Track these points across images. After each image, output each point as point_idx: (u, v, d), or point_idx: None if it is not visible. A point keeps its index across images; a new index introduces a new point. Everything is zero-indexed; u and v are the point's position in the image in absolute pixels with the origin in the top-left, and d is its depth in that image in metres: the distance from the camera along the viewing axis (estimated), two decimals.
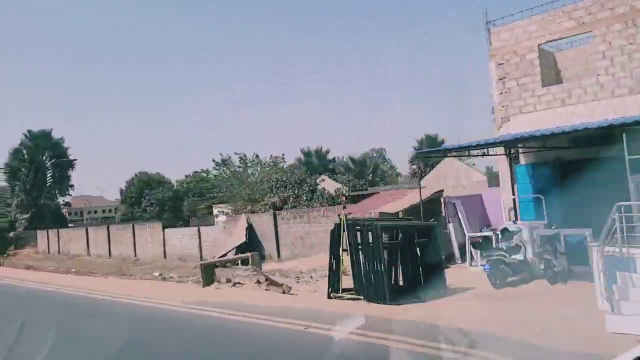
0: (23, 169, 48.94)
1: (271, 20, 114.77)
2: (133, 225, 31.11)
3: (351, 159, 64.65)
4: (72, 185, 50.94)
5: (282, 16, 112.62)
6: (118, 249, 30.57)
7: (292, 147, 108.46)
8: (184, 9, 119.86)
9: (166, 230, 27.48)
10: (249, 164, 36.40)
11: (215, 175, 37.75)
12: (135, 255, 28.85)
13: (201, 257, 23.72)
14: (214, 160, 36.13)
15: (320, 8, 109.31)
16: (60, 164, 50.20)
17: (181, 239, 26.20)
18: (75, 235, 36.42)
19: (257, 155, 36.67)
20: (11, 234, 45.81)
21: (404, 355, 6.10)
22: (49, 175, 49.69)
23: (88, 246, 33.46)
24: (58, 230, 39.16)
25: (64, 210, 56.75)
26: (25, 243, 46.24)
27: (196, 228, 26.51)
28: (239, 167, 36.17)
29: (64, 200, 51.04)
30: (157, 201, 57.06)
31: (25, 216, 48.37)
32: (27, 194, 48.37)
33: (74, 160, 51.03)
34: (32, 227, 48.43)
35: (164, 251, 26.72)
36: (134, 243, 29.38)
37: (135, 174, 60.47)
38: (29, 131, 49.94)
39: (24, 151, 49.56)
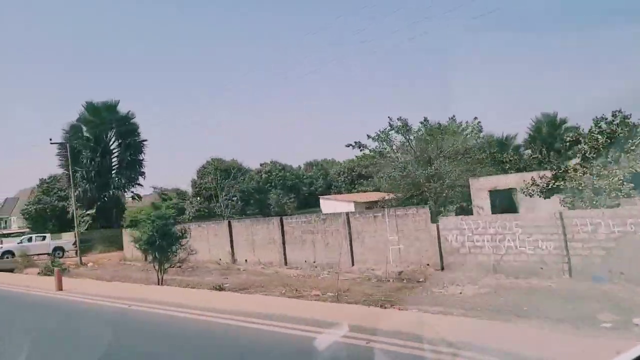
0: (84, 151, 38.17)
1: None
2: (323, 218, 19.70)
3: None
4: (143, 173, 39.96)
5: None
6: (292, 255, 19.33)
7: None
8: None
9: (443, 220, 15.73)
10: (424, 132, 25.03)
11: (372, 151, 26.38)
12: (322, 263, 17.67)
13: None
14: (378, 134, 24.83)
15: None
16: (130, 145, 39.24)
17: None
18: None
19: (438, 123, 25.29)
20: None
21: None
22: (115, 158, 38.71)
23: (233, 250, 22.24)
24: None
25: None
26: (92, 246, 35.53)
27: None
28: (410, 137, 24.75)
29: (132, 193, 40.05)
30: (241, 193, 46.14)
31: (90, 212, 37.54)
32: (90, 183, 37.57)
33: (144, 140, 40.05)
34: (95, 226, 37.69)
35: (440, 252, 15.11)
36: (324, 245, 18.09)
37: (208, 161, 49.56)
38: (88, 103, 39.03)
39: (84, 128, 38.69)
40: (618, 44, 72.73)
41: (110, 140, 38.65)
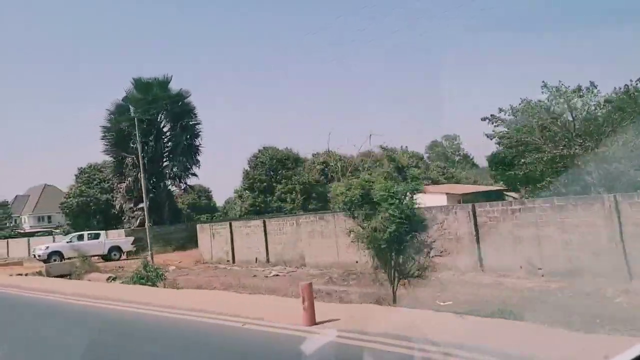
0: (134, 134, 32.65)
1: None
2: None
3: None
4: (198, 161, 34.38)
5: None
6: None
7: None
8: None
9: None
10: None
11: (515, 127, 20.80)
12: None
13: None
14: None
15: None
16: (186, 128, 33.70)
17: None
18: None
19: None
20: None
21: None
22: (169, 143, 33.13)
23: None
24: (230, 224, 22.55)
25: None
26: (144, 246, 30.01)
27: None
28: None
29: (185, 184, 34.30)
30: (302, 186, 40.63)
31: (141, 205, 31.94)
32: (142, 172, 31.95)
33: (198, 124, 34.46)
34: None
35: None
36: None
37: (260, 150, 43.98)
38: (136, 80, 33.48)
39: (131, 108, 33.07)
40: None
41: (162, 122, 33.08)
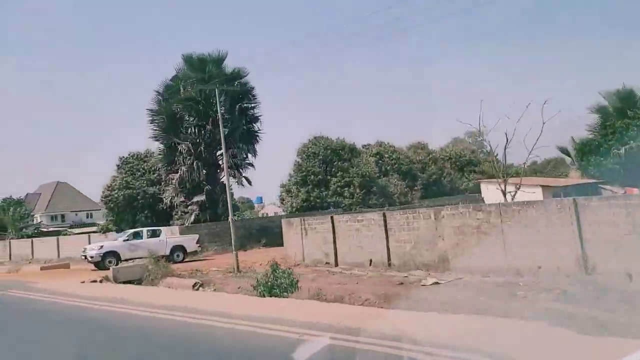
0: (188, 118, 28.71)
1: None
2: None
3: None
4: (256, 150, 30.28)
5: None
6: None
7: None
8: None
9: None
10: None
11: None
12: None
13: None
14: None
15: None
16: (245, 112, 29.67)
17: None
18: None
19: None
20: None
21: None
22: (226, 129, 28.93)
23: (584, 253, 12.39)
24: (332, 219, 18.37)
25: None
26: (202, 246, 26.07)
27: None
28: None
29: (242, 175, 30.04)
30: (361, 179, 36.39)
31: (199, 199, 27.94)
32: (198, 161, 28.00)
33: (256, 105, 30.32)
34: (202, 218, 28.12)
35: None
36: None
37: (311, 140, 39.84)
38: (186, 56, 29.37)
39: (181, 89, 29.03)
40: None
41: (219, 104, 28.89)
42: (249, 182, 31.02)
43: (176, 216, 28.58)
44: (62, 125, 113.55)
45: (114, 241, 21.84)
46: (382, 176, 40.38)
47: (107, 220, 29.86)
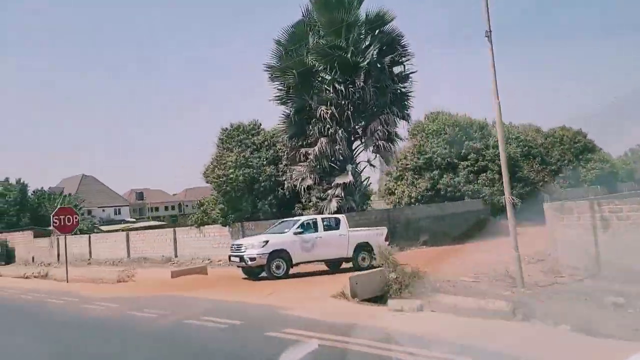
0: (323, 74, 21.54)
1: None
2: None
3: None
4: (408, 116, 23.00)
5: None
6: None
7: None
8: None
9: None
10: None
11: None
12: None
13: None
14: None
15: None
16: (390, 67, 22.48)
17: None
18: None
19: None
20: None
21: None
22: (373, 89, 21.60)
23: None
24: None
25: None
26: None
27: None
28: None
29: (390, 150, 22.58)
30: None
31: (343, 180, 20.72)
32: (342, 130, 20.84)
33: (408, 59, 23.00)
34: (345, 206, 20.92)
35: None
36: None
37: (427, 116, 32.58)
38: None
39: (310, 38, 21.83)
40: None
41: (364, 56, 21.68)
42: (397, 160, 23.93)
43: (309, 203, 21.40)
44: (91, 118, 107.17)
45: (280, 235, 14.55)
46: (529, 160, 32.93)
47: (218, 209, 22.56)
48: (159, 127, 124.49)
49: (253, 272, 14.50)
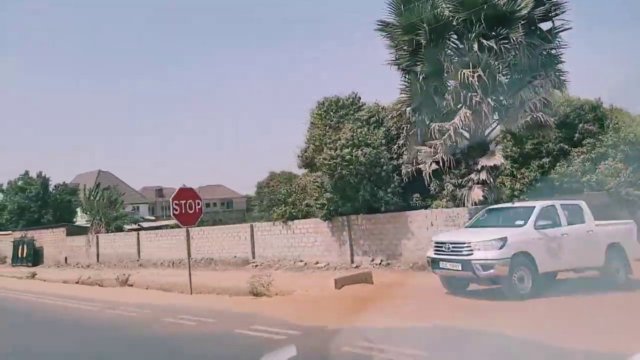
0: (460, 30, 17.13)
1: None
2: None
3: None
4: (563, 83, 18.57)
5: None
6: None
7: None
8: None
9: None
10: None
11: None
12: None
13: None
14: None
15: None
16: (538, 22, 18.08)
17: None
18: None
19: None
20: None
21: None
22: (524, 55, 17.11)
23: None
24: None
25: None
26: None
27: None
28: None
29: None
30: (627, 148, 24.90)
31: (491, 163, 16.30)
32: (489, 98, 16.47)
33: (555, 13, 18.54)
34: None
35: None
36: None
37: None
38: None
39: None
40: None
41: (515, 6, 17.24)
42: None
43: (440, 192, 16.98)
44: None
45: (517, 230, 9.94)
46: None
47: (326, 201, 18.08)
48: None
49: (455, 284, 10.05)
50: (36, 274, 22.77)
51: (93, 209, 31.18)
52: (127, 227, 43.09)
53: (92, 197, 32.39)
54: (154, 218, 71.33)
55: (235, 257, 22.12)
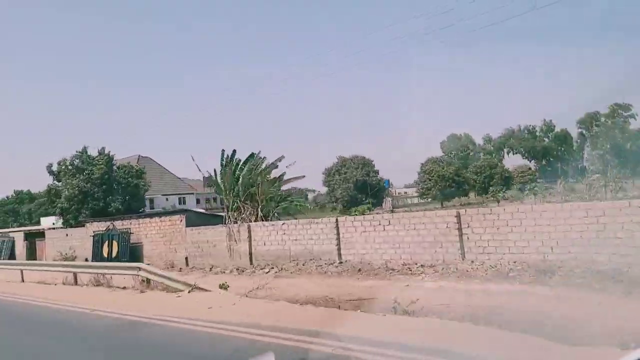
0: None
1: None
2: None
3: None
4: None
5: None
6: None
7: None
8: None
9: None
10: None
11: None
12: None
13: None
14: None
15: None
16: None
17: None
18: None
19: None
20: None
21: None
22: None
23: None
24: None
25: None
26: None
27: None
28: None
29: None
30: None
31: None
32: None
33: None
34: None
35: None
36: None
37: None
38: None
39: None
40: None
41: None
42: None
43: None
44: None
45: None
46: None
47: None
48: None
49: None
50: (197, 287, 13.24)
51: (247, 186, 21.43)
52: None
53: (238, 171, 22.68)
54: (202, 210, 61.68)
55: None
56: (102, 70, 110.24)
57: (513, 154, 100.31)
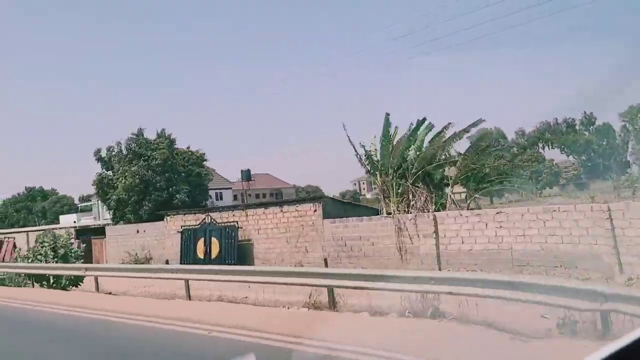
0: None
1: None
2: None
3: None
4: None
5: None
6: None
7: None
8: None
9: None
10: None
11: None
12: None
13: None
14: None
15: None
16: None
17: None
18: None
19: None
20: None
21: None
22: None
23: None
24: None
25: None
26: None
27: None
28: None
29: None
30: None
31: None
32: None
33: None
34: None
35: None
36: None
37: None
38: None
39: None
40: None
41: None
42: None
43: None
44: None
45: None
46: None
47: None
48: None
49: None
50: None
51: (422, 163, 15.79)
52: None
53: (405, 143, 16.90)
54: (242, 207, 55.95)
55: None
56: (102, 70, 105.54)
57: (549, 148, 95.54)
